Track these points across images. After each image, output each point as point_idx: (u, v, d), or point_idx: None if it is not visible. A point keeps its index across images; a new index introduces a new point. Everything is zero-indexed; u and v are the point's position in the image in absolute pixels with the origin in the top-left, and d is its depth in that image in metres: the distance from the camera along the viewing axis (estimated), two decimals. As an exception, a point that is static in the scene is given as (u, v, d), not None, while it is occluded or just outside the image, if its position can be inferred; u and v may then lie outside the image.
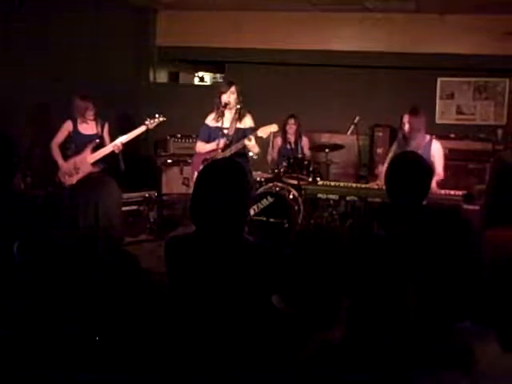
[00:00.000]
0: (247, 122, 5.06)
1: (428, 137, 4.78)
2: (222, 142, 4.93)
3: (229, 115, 5.04)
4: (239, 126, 5.03)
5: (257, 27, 7.75)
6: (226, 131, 4.98)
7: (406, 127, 4.75)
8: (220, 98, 4.97)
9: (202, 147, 5.15)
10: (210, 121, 5.09)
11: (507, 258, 2.03)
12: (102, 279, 2.03)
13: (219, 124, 5.00)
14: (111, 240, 2.11)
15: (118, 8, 7.23)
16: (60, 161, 5.38)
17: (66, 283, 2.02)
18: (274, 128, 4.99)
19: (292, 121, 6.68)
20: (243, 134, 4.97)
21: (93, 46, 6.74)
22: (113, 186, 2.22)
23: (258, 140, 4.98)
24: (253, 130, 4.99)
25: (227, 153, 4.87)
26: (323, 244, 1.35)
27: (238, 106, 4.99)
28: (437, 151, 4.71)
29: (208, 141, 5.11)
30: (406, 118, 4.77)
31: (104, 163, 5.44)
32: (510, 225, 2.14)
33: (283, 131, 6.69)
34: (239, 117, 5.01)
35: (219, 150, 4.89)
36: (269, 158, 6.65)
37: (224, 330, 2.00)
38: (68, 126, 5.38)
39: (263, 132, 4.91)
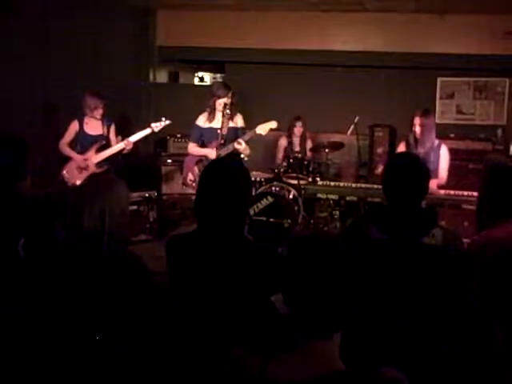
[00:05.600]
0: (238, 121, 5.15)
1: (437, 140, 4.76)
2: (217, 142, 4.97)
3: (220, 115, 5.07)
4: (231, 124, 5.07)
5: (257, 27, 7.74)
6: (219, 131, 5.00)
7: (418, 129, 4.69)
8: (215, 101, 5.01)
9: (195, 149, 5.18)
10: (204, 122, 5.13)
11: (504, 255, 2.04)
12: (107, 279, 2.03)
13: (213, 125, 5.04)
14: (116, 240, 2.11)
15: (117, 8, 7.23)
16: (75, 156, 5.36)
17: (69, 282, 2.03)
18: (273, 125, 5.02)
19: (300, 123, 6.71)
20: (236, 132, 5.06)
21: (93, 46, 6.74)
22: (120, 186, 2.22)
23: (263, 138, 5.02)
24: (244, 129, 5.05)
25: (222, 152, 4.90)
26: (319, 249, 1.35)
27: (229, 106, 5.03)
28: (445, 155, 4.70)
29: (200, 142, 5.15)
30: (417, 120, 4.70)
31: (108, 164, 5.45)
32: (504, 222, 2.15)
33: (289, 133, 6.72)
34: (230, 116, 5.03)
35: (214, 150, 4.93)
36: (277, 161, 6.66)
37: (224, 328, 2.01)
38: (74, 126, 5.38)
39: (262, 129, 4.95)
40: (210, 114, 5.09)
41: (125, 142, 5.39)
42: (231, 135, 5.03)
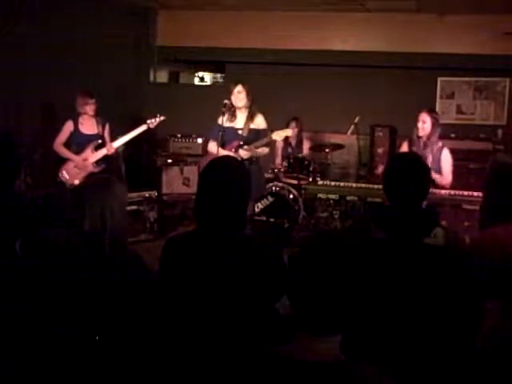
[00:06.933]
0: (260, 122, 5.00)
1: (440, 142, 4.76)
2: (236, 142, 4.90)
3: (241, 115, 4.99)
4: (252, 126, 4.97)
5: (257, 27, 7.74)
6: (240, 132, 4.94)
7: (420, 125, 4.66)
8: (230, 98, 4.94)
9: (215, 149, 4.96)
10: (224, 121, 4.97)
11: (506, 255, 2.04)
12: (108, 279, 2.03)
13: (233, 124, 4.96)
14: (117, 240, 2.11)
15: (117, 8, 7.23)
16: (72, 156, 5.36)
17: (68, 282, 2.02)
18: (288, 132, 5.00)
19: (293, 124, 6.70)
20: (257, 134, 4.93)
21: (93, 45, 6.74)
22: (118, 186, 2.22)
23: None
24: (266, 131, 4.96)
25: (242, 155, 4.81)
26: (330, 248, 1.36)
27: (248, 105, 4.93)
28: (446, 158, 4.69)
29: (221, 140, 5.01)
30: (421, 116, 4.67)
31: (106, 163, 5.44)
32: (508, 223, 2.15)
33: None
34: (251, 117, 4.96)
35: (232, 151, 4.84)
36: (275, 162, 6.65)
37: (223, 327, 2.01)
38: (69, 126, 5.38)
39: (278, 136, 4.90)
40: (228, 113, 4.98)
41: (107, 147, 5.39)
42: (252, 137, 4.92)
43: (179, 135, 7.34)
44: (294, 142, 6.77)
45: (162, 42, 8.26)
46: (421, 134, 4.70)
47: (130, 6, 7.53)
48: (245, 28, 7.77)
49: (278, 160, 6.69)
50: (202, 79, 9.86)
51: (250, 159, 4.84)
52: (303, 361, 1.33)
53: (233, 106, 4.92)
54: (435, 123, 4.68)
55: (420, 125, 4.68)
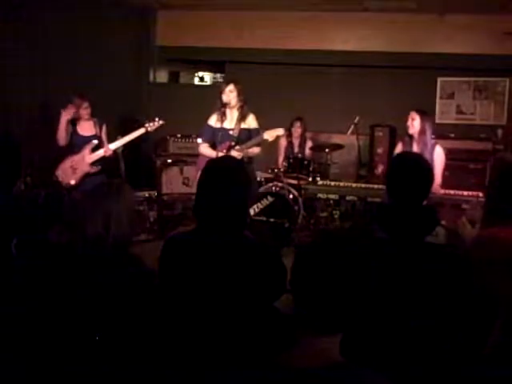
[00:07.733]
0: (251, 122, 4.97)
1: (433, 141, 4.76)
2: (228, 143, 4.89)
3: (232, 115, 4.97)
4: (243, 126, 4.94)
5: (257, 27, 7.74)
6: (231, 132, 4.92)
7: (410, 122, 4.67)
8: (221, 97, 4.92)
9: (206, 150, 4.97)
10: (215, 122, 4.96)
11: (506, 254, 2.04)
12: (107, 279, 2.03)
13: (224, 125, 4.94)
14: (120, 243, 2.10)
15: (117, 8, 7.23)
16: (69, 156, 5.33)
17: (68, 282, 2.02)
18: (280, 132, 4.93)
19: (298, 124, 6.72)
20: (248, 134, 4.91)
21: (93, 45, 6.74)
22: (125, 191, 2.20)
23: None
24: (257, 131, 4.93)
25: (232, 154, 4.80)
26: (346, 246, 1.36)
27: (239, 105, 4.91)
28: (439, 156, 4.69)
29: (212, 141, 5.01)
30: (411, 115, 4.70)
31: (103, 164, 5.44)
32: (508, 223, 2.15)
33: (289, 133, 6.71)
34: (242, 117, 4.94)
35: (224, 152, 4.82)
36: (279, 162, 6.64)
37: (222, 327, 2.01)
38: (65, 118, 5.32)
39: (269, 135, 4.86)
40: (219, 113, 4.96)
41: (104, 148, 5.39)
42: (243, 137, 4.90)
43: (179, 135, 7.33)
44: (297, 142, 6.78)
45: (161, 42, 8.25)
46: (411, 131, 4.70)
47: (130, 5, 7.53)
48: (245, 28, 7.77)
49: (281, 160, 6.69)
50: (201, 79, 9.86)
51: (242, 159, 4.81)
52: (302, 369, 1.32)
53: (223, 105, 4.90)
54: (425, 120, 4.68)
55: (409, 122, 4.69)
